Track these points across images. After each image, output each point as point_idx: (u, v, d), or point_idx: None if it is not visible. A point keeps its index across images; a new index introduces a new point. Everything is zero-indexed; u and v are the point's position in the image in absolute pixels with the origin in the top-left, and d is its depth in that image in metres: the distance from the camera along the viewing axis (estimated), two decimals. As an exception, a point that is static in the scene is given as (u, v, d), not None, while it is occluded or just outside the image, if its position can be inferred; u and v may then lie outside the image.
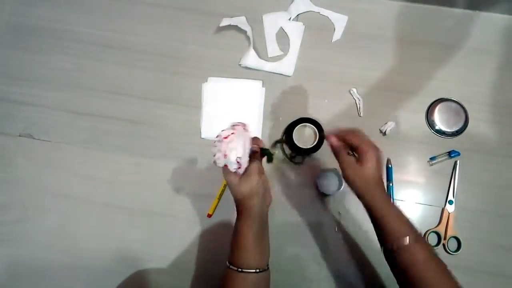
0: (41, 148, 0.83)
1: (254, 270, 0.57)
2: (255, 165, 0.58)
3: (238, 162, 0.55)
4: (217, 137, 0.56)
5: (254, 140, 0.60)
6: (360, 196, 0.59)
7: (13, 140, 0.84)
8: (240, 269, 0.57)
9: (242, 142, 0.55)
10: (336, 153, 0.61)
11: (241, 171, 0.57)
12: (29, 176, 0.83)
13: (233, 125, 0.58)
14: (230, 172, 0.57)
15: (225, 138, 0.55)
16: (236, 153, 0.54)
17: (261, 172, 0.59)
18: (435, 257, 0.55)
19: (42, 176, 0.82)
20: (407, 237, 0.55)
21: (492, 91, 0.82)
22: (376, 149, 0.59)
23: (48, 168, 0.83)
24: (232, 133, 0.55)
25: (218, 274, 0.60)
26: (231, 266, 0.58)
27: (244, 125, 0.58)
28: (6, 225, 0.81)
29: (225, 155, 0.55)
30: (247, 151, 0.56)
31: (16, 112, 0.85)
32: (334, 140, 0.61)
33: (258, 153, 0.59)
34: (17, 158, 0.83)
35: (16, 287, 0.79)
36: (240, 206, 0.59)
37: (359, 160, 0.59)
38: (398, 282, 0.58)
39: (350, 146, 0.61)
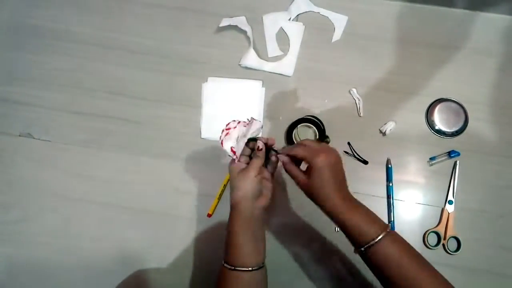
0: (41, 147, 0.83)
1: (247, 269, 0.57)
2: (255, 161, 0.59)
3: (233, 151, 0.60)
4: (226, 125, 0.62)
5: (266, 139, 0.61)
6: (320, 207, 0.57)
7: (13, 140, 0.84)
8: (233, 267, 0.57)
9: (237, 134, 0.60)
10: (286, 170, 0.59)
11: (237, 160, 0.61)
12: (29, 176, 0.83)
13: (249, 120, 0.62)
14: (234, 163, 0.61)
15: (228, 129, 0.61)
16: (230, 143, 0.60)
17: (260, 169, 0.59)
18: (406, 247, 0.55)
19: (42, 176, 0.82)
20: (376, 237, 0.53)
21: (492, 91, 0.82)
22: (323, 155, 0.54)
23: (48, 168, 0.83)
24: (235, 127, 0.60)
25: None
26: (225, 264, 0.58)
27: (249, 120, 0.61)
28: (6, 225, 0.81)
29: (221, 143, 0.60)
30: (242, 141, 0.60)
31: (16, 112, 0.85)
32: (282, 157, 0.59)
33: (261, 150, 0.60)
34: (17, 157, 0.83)
35: (16, 286, 0.79)
36: (233, 201, 0.59)
37: (307, 171, 0.56)
38: (378, 279, 0.57)
39: (300, 159, 0.58)
